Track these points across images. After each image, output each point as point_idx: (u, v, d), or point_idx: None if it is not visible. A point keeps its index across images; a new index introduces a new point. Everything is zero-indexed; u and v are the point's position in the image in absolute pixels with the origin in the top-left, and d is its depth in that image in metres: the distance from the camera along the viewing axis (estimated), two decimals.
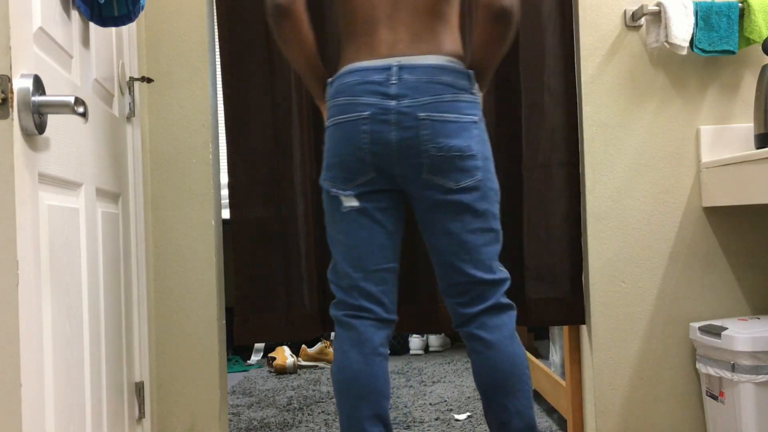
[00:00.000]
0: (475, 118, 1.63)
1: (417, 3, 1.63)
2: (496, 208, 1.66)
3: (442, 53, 1.63)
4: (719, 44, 2.02)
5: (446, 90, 1.60)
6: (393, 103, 1.59)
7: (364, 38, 1.65)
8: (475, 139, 1.61)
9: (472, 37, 1.73)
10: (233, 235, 2.09)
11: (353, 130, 1.61)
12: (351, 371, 1.62)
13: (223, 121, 2.12)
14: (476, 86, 1.65)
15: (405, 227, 1.80)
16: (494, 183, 1.66)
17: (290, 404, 3.04)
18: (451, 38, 1.67)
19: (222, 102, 2.11)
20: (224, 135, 2.12)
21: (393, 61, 1.61)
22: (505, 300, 1.68)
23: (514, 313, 1.70)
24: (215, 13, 2.09)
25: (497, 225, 1.67)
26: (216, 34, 2.13)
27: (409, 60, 1.61)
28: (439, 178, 1.61)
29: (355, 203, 1.64)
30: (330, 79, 1.69)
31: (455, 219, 1.63)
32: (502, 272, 1.69)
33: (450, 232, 1.64)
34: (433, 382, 3.34)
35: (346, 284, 1.68)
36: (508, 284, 1.69)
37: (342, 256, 1.68)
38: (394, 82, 1.60)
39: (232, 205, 2.09)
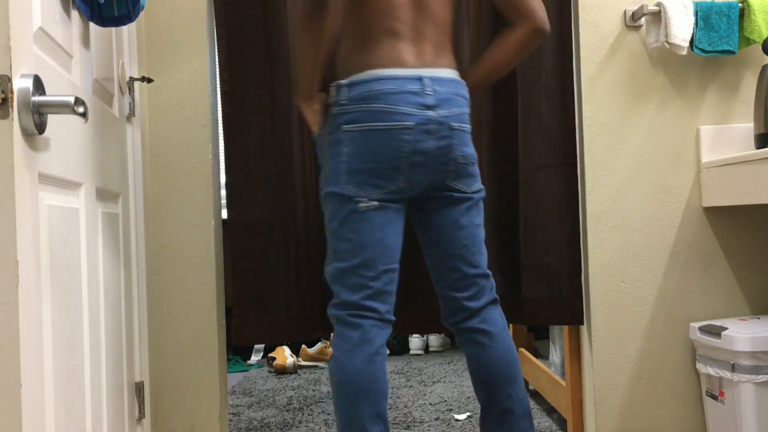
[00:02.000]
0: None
1: (438, 17, 1.71)
2: None
3: (453, 67, 1.73)
4: (719, 44, 2.02)
5: (464, 103, 1.71)
6: (431, 113, 1.64)
7: (386, 47, 1.66)
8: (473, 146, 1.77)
9: (498, 49, 1.78)
10: (232, 235, 2.09)
11: (394, 138, 1.63)
12: (354, 371, 1.62)
13: (222, 121, 2.12)
14: None
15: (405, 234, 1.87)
16: None
17: (290, 404, 3.04)
18: (452, 52, 1.78)
19: (221, 102, 2.10)
20: (223, 135, 2.12)
21: (420, 72, 1.66)
22: (495, 294, 1.82)
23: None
24: (215, 13, 2.09)
25: None
26: (216, 34, 2.13)
27: (434, 72, 1.68)
28: (459, 183, 1.73)
29: (374, 203, 1.66)
30: (344, 81, 1.66)
31: (466, 214, 1.74)
32: None
33: (462, 226, 1.73)
34: (433, 382, 3.34)
35: (353, 283, 1.67)
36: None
37: (352, 254, 1.67)
38: (429, 93, 1.65)
39: (231, 205, 2.09)
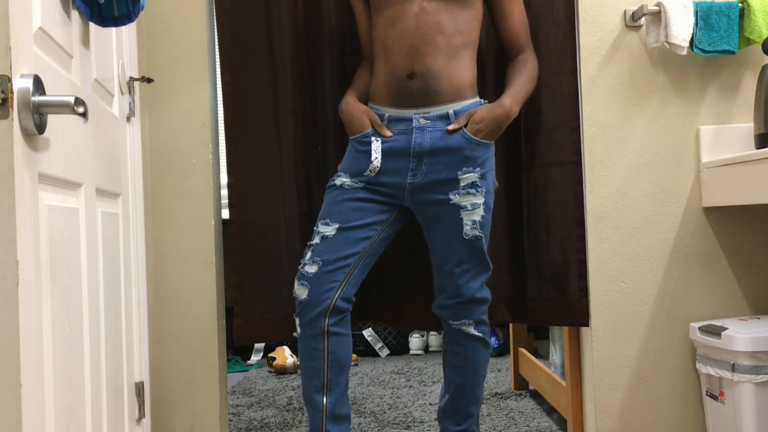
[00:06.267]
0: None
1: None
2: None
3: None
4: (719, 44, 2.02)
5: None
6: None
7: None
8: None
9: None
10: (233, 235, 2.09)
11: None
12: None
13: (223, 121, 2.12)
14: None
15: (402, 228, 2.04)
16: None
17: (290, 404, 3.04)
18: None
19: (222, 102, 2.10)
20: (224, 135, 2.12)
21: None
22: None
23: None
24: (215, 13, 2.09)
25: None
26: (216, 33, 2.13)
27: None
28: None
29: None
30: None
31: None
32: None
33: None
34: (433, 382, 3.34)
35: None
36: None
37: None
38: None
39: (232, 205, 2.09)
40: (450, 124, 1.84)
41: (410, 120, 1.85)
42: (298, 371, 3.80)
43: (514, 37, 1.96)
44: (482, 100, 1.92)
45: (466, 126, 1.84)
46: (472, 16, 1.87)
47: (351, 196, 1.85)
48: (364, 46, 2.00)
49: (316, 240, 1.83)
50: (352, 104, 1.90)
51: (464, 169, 1.83)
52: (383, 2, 1.86)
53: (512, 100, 1.85)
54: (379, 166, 1.84)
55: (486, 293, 1.89)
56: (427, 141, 1.84)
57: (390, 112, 1.87)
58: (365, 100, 1.96)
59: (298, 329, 1.83)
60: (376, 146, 1.84)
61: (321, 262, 1.80)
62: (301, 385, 1.89)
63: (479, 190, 1.84)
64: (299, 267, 1.84)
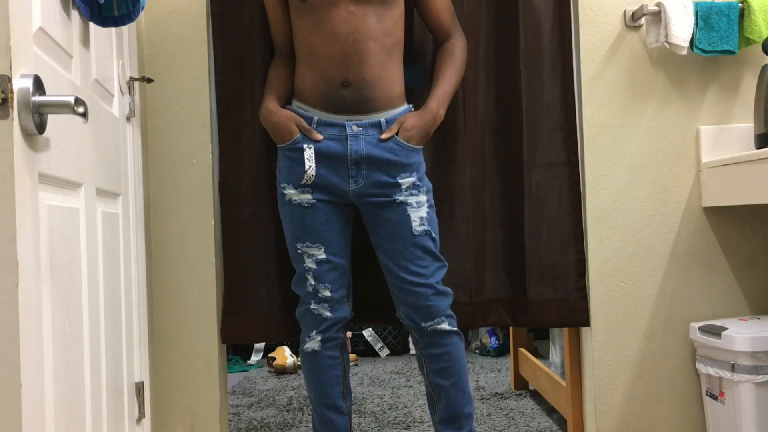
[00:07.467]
0: None
1: None
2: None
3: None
4: (719, 44, 2.03)
5: None
6: None
7: None
8: None
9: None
10: (224, 235, 2.08)
11: None
12: None
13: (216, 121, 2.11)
14: None
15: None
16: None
17: (290, 404, 3.04)
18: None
19: (216, 102, 2.09)
20: (216, 134, 2.11)
21: None
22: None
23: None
24: (211, 17, 2.08)
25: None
26: (212, 36, 2.12)
27: None
28: None
29: None
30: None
31: None
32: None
33: None
34: None
35: None
36: None
37: None
38: None
39: (223, 205, 2.08)
40: (382, 132, 1.85)
41: (343, 126, 1.84)
42: (299, 371, 3.80)
43: (439, 23, 1.95)
44: (410, 106, 1.93)
45: (397, 133, 1.85)
46: (398, 15, 1.86)
47: (312, 210, 1.86)
48: (279, 44, 1.97)
49: (311, 265, 1.87)
50: (274, 112, 1.87)
51: (402, 174, 1.85)
52: (307, 6, 1.81)
53: (438, 103, 1.88)
54: (314, 174, 1.84)
55: (447, 288, 1.88)
56: (363, 148, 1.83)
57: (320, 115, 1.85)
58: (285, 102, 1.94)
59: (318, 344, 1.90)
60: (309, 154, 1.83)
61: (331, 286, 1.88)
62: (315, 396, 1.96)
63: (421, 189, 1.87)
64: (306, 289, 1.89)
